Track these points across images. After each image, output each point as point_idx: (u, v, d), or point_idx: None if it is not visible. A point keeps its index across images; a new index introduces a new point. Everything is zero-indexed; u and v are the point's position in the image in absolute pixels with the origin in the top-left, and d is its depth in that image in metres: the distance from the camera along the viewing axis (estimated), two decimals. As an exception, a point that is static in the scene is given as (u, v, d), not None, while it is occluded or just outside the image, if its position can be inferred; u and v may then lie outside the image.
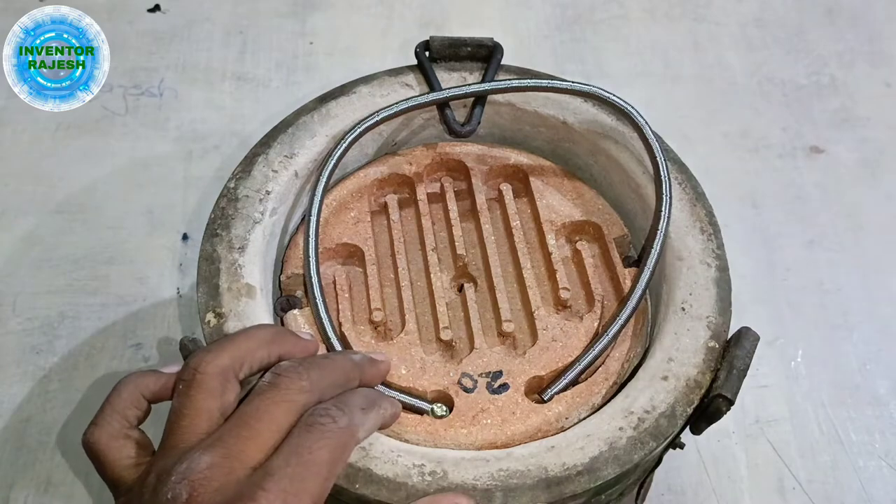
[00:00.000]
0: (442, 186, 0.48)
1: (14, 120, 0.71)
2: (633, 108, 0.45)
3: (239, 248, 0.42)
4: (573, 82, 0.47)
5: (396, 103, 0.46)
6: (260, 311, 0.39)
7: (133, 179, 0.69)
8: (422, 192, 0.47)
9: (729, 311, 0.41)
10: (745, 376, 0.38)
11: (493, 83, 0.47)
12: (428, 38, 0.49)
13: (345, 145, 0.45)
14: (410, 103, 0.46)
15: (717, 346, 0.39)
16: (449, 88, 0.47)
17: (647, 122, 0.45)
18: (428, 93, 0.47)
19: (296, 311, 0.42)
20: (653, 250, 0.42)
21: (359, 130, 0.45)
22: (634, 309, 0.42)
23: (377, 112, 0.46)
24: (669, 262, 0.43)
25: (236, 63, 0.78)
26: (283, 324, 0.43)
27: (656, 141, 0.44)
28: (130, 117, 0.73)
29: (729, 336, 0.40)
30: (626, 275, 0.44)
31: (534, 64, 0.50)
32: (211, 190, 0.67)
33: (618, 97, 0.46)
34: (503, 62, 0.49)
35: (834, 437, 0.58)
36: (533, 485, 0.35)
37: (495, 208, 0.48)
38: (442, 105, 0.48)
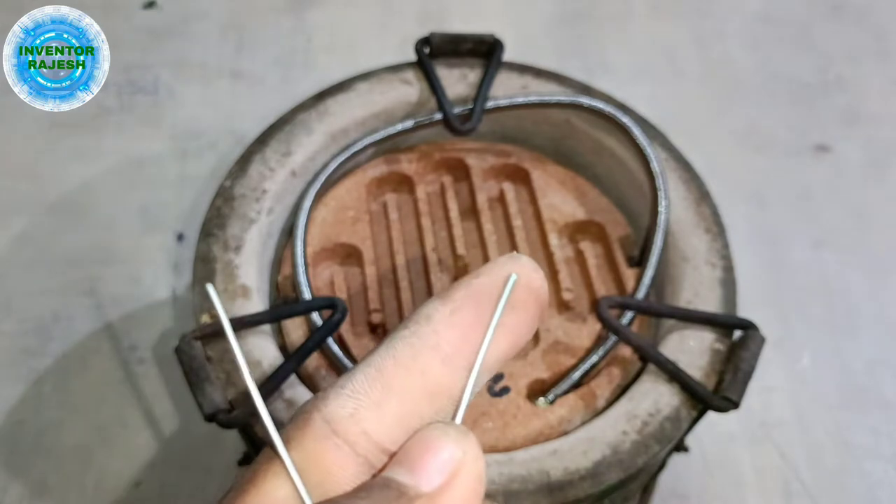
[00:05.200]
0: (442, 185, 0.48)
1: (7, 118, 0.70)
2: (617, 111, 0.45)
3: (235, 248, 0.41)
4: (553, 96, 0.46)
5: (401, 124, 0.46)
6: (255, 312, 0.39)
7: (127, 178, 0.69)
8: (421, 191, 0.47)
9: (734, 312, 0.40)
10: (750, 379, 0.37)
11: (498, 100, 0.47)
12: (428, 33, 0.48)
13: (342, 159, 0.45)
14: (417, 119, 0.46)
15: (723, 348, 0.39)
16: (456, 103, 0.47)
17: (636, 123, 0.44)
18: (434, 111, 0.46)
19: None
20: (653, 249, 0.42)
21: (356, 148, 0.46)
22: (638, 310, 0.41)
23: (375, 132, 0.46)
24: (674, 263, 0.43)
25: (232, 60, 0.77)
26: (282, 330, 0.42)
27: (648, 146, 0.44)
28: (125, 115, 0.72)
29: (734, 338, 0.39)
30: (629, 275, 0.43)
31: (536, 60, 0.49)
32: (206, 189, 0.66)
33: (602, 103, 0.45)
34: (504, 58, 0.49)
35: (840, 441, 0.57)
36: (535, 489, 0.34)
37: (496, 207, 0.47)
38: (442, 101, 0.47)
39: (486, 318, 0.20)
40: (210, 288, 0.20)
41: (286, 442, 0.18)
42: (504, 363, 0.21)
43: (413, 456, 0.19)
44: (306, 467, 0.18)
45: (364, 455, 0.18)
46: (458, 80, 0.48)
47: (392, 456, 0.19)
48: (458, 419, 0.20)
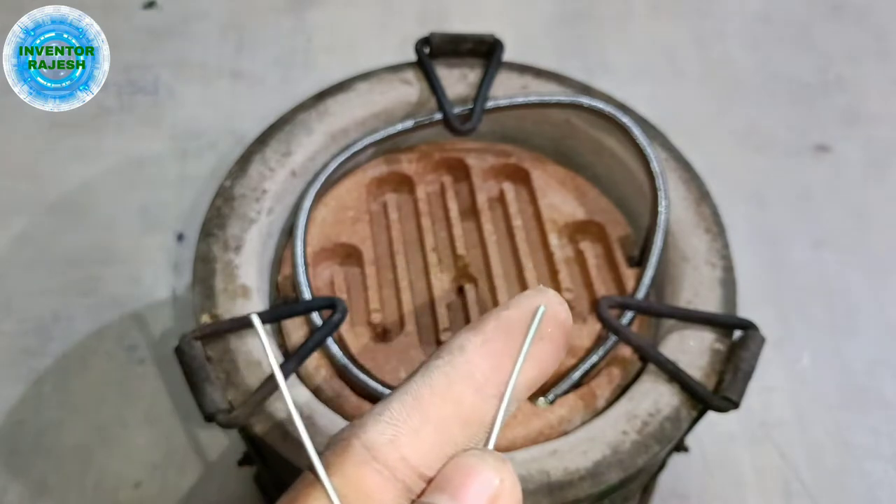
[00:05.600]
0: (442, 185, 0.47)
1: (7, 118, 0.71)
2: (617, 111, 0.45)
3: (235, 248, 0.41)
4: (553, 96, 0.46)
5: (402, 124, 0.46)
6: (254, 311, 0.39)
7: (127, 178, 0.69)
8: (421, 191, 0.47)
9: (734, 312, 0.40)
10: (750, 379, 0.37)
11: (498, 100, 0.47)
12: (428, 33, 0.48)
13: (342, 159, 0.45)
14: (417, 119, 0.46)
15: (723, 348, 0.39)
16: (456, 103, 0.47)
17: (636, 123, 0.44)
18: (434, 111, 0.46)
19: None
20: (653, 249, 0.42)
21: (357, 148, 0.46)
22: (638, 310, 0.41)
23: (375, 132, 0.46)
24: (674, 263, 0.43)
25: (233, 60, 0.77)
26: (282, 330, 0.42)
27: (648, 146, 0.44)
28: (125, 115, 0.72)
29: (734, 338, 0.39)
30: (629, 275, 0.43)
31: (536, 60, 0.49)
32: (206, 189, 0.66)
33: (602, 103, 0.45)
34: (504, 58, 0.49)
35: (840, 441, 0.57)
36: (535, 490, 0.34)
37: (496, 207, 0.47)
38: (442, 101, 0.47)
39: (516, 349, 0.20)
40: (255, 318, 0.20)
41: (325, 468, 0.19)
42: (532, 391, 0.21)
43: (454, 482, 0.19)
44: (347, 493, 0.18)
45: (403, 480, 0.19)
46: (458, 80, 0.48)
47: (430, 482, 0.19)
48: (491, 445, 0.20)
